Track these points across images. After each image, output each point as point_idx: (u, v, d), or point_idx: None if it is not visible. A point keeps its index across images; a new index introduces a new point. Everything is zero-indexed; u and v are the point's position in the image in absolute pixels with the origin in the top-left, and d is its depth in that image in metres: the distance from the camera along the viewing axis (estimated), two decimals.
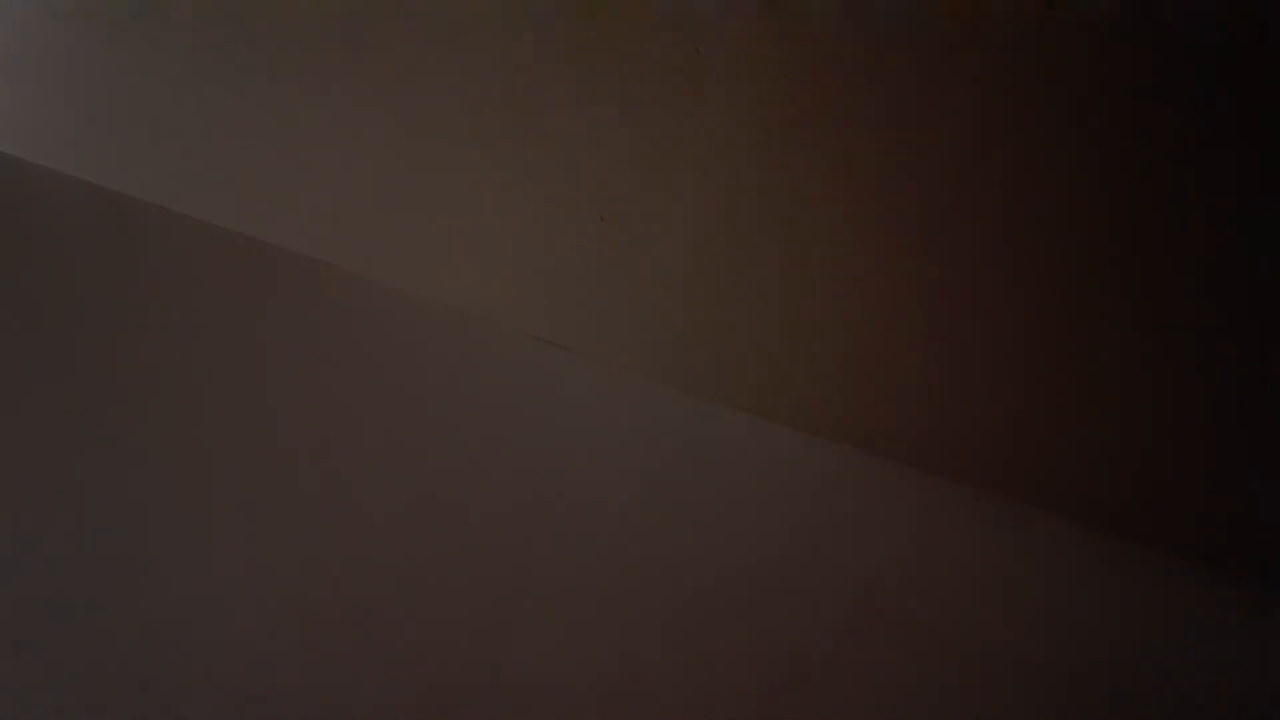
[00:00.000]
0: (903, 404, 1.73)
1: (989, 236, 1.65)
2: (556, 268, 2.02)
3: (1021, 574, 1.48)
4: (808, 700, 1.11)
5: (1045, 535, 1.58)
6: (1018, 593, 1.44)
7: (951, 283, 1.68)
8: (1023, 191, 1.62)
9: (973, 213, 1.65)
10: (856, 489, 1.65)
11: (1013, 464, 1.66)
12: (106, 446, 1.37)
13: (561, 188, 2.00)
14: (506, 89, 2.02)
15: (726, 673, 1.12)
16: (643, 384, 1.91)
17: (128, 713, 0.88)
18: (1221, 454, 1.53)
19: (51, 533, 1.12)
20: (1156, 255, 1.55)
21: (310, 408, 1.62)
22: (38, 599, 0.99)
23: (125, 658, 0.94)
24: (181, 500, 1.26)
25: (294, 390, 1.68)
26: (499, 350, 1.99)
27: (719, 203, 1.86)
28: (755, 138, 1.81)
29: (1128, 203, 1.56)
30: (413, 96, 2.13)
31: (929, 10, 1.64)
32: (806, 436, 1.79)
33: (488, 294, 2.09)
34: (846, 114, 1.73)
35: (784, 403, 1.84)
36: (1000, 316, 1.65)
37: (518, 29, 1.99)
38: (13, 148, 2.63)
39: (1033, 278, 1.63)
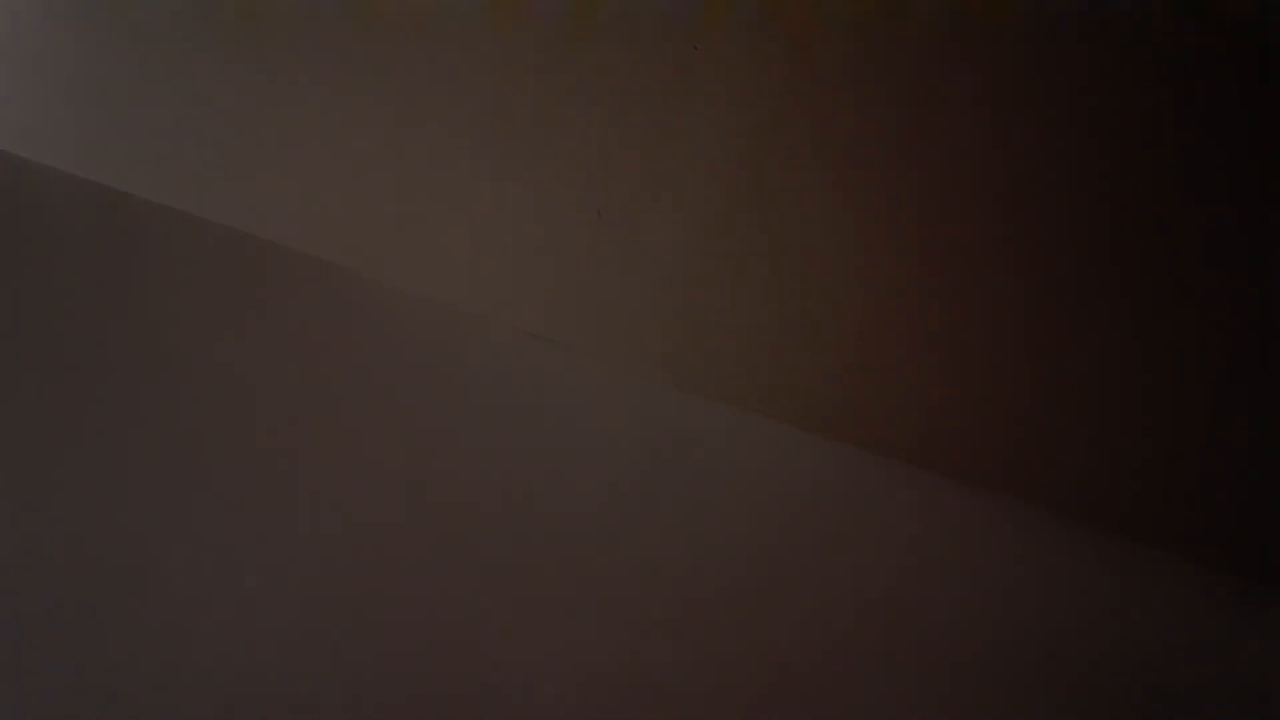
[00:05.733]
0: (903, 402, 1.73)
1: (990, 233, 1.64)
2: (553, 263, 2.01)
3: (1021, 574, 1.48)
4: (808, 701, 1.10)
5: (1045, 535, 1.58)
6: (1018, 593, 1.44)
7: (952, 280, 1.67)
8: (1024, 188, 1.61)
9: (973, 209, 1.64)
10: (856, 487, 1.65)
11: (1013, 464, 1.65)
12: (104, 445, 1.37)
13: (558, 182, 1.99)
14: (503, 84, 2.01)
15: (726, 674, 1.12)
16: (642, 381, 1.91)
17: (122, 714, 0.88)
18: (1221, 454, 1.52)
19: (48, 533, 1.12)
20: (1159, 254, 1.54)
21: (306, 405, 1.62)
22: (34, 598, 0.99)
23: (116, 660, 0.94)
24: (177, 501, 1.26)
25: (290, 388, 1.68)
26: (496, 347, 1.98)
27: (718, 198, 1.85)
28: (754, 133, 1.80)
29: (1130, 201, 1.55)
30: (410, 93, 2.12)
31: (930, 5, 1.63)
32: (806, 434, 1.78)
33: (484, 290, 2.09)
34: (847, 109, 1.72)
35: (784, 400, 1.84)
36: (1001, 315, 1.65)
37: (515, 25, 1.98)
38: (12, 145, 2.62)
39: (1033, 275, 1.62)
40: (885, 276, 1.71)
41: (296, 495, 1.28)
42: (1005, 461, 1.65)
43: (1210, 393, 1.52)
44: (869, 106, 1.69)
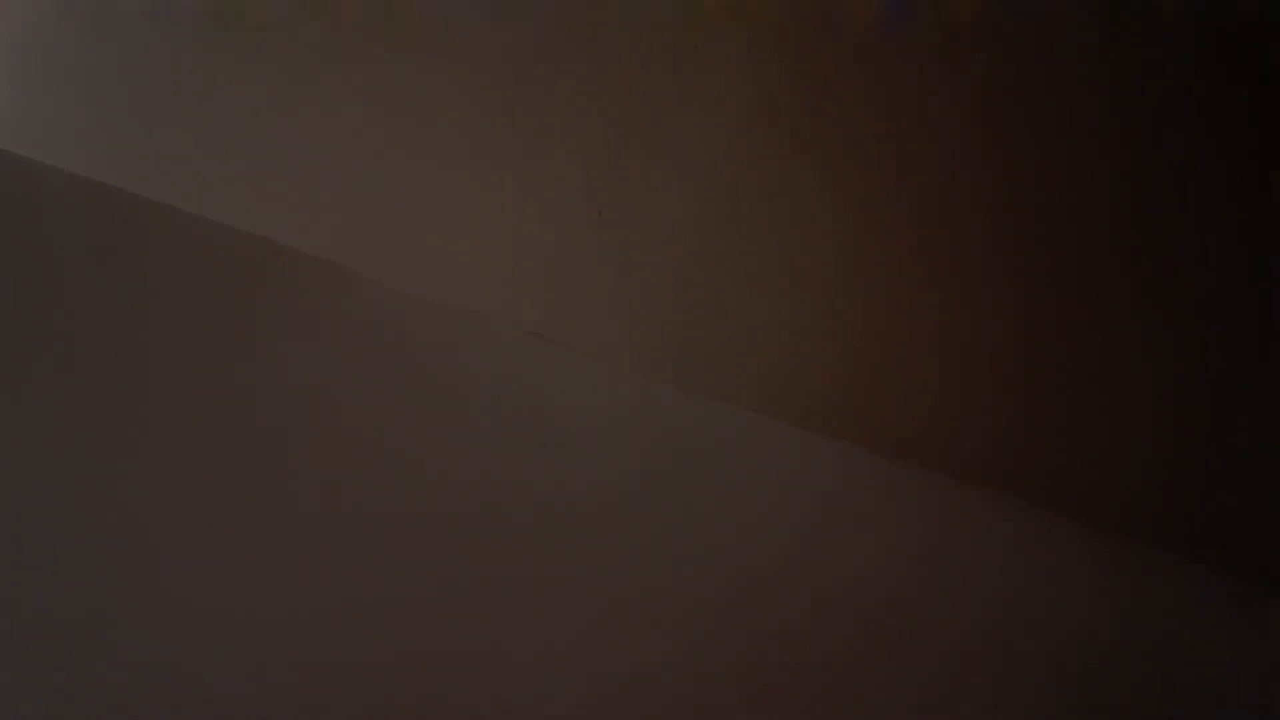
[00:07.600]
0: (903, 402, 1.73)
1: (990, 236, 1.64)
2: (555, 263, 2.01)
3: (1022, 574, 1.48)
4: (809, 700, 1.10)
5: (1045, 535, 1.58)
6: (1018, 593, 1.44)
7: (952, 281, 1.67)
8: (1024, 192, 1.61)
9: (974, 212, 1.64)
10: (857, 486, 1.65)
11: (1013, 464, 1.65)
12: (104, 444, 1.37)
13: (560, 183, 1.99)
14: (506, 86, 2.02)
15: (728, 672, 1.12)
16: (642, 380, 1.91)
17: (121, 715, 0.88)
18: (1222, 454, 1.52)
19: (47, 532, 1.12)
20: (1158, 257, 1.54)
21: (307, 404, 1.62)
22: (32, 599, 0.99)
23: (115, 662, 0.94)
24: (176, 500, 1.26)
25: (291, 387, 1.68)
26: (498, 347, 1.98)
27: (718, 198, 1.85)
28: (755, 134, 1.80)
29: (1129, 205, 1.55)
30: (412, 95, 2.12)
31: (931, 8, 1.63)
32: (806, 433, 1.78)
33: (486, 290, 2.09)
34: (848, 111, 1.72)
35: (783, 399, 1.84)
36: (1001, 317, 1.65)
37: (517, 27, 1.99)
38: (13, 145, 2.62)
39: (1034, 278, 1.62)
40: (885, 276, 1.71)
41: (296, 494, 1.28)
42: (1005, 461, 1.65)
43: (1210, 393, 1.52)
44: (869, 108, 1.69)
